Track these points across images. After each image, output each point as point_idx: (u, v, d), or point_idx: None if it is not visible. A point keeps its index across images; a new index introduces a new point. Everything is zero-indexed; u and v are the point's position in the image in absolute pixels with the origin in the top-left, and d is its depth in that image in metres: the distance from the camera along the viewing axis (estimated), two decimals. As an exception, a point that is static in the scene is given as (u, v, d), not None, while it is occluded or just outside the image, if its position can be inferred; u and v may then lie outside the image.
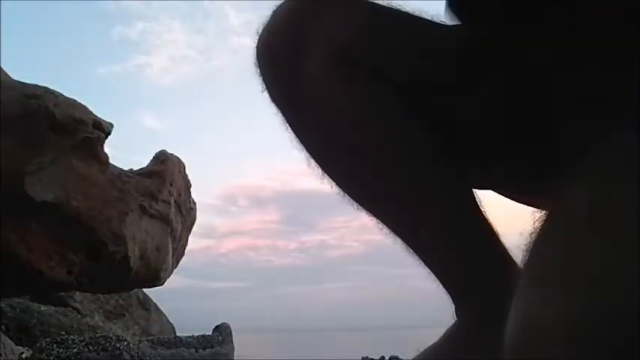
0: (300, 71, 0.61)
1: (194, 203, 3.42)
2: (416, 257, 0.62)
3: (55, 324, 3.54)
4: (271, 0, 0.64)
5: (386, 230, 0.64)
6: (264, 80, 0.64)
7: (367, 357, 3.66)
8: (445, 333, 0.63)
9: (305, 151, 0.65)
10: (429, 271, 0.62)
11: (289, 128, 0.65)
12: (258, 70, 0.64)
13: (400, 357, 3.58)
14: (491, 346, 0.49)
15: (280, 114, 0.64)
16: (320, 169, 0.64)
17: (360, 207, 0.64)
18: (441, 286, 0.62)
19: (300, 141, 0.64)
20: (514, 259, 0.60)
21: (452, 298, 0.62)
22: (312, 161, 0.64)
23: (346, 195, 0.64)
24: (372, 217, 0.64)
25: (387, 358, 3.66)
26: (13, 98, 2.32)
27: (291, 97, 0.63)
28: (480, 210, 0.61)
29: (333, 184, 0.64)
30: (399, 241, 0.63)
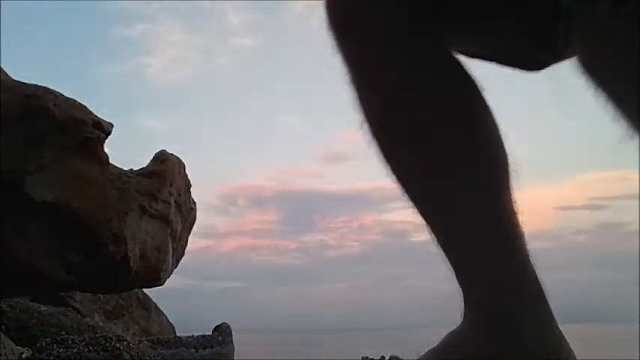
0: (371, 33, 0.61)
1: (194, 203, 3.42)
2: (443, 252, 0.61)
3: (55, 324, 3.54)
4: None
5: (422, 214, 0.62)
6: (338, 41, 0.63)
7: (367, 357, 3.67)
8: (447, 335, 0.63)
9: (361, 114, 0.64)
10: (451, 267, 0.61)
11: (353, 87, 0.64)
12: (331, 31, 0.64)
13: (400, 357, 3.59)
14: (494, 349, 0.49)
15: (348, 73, 0.64)
16: (370, 134, 0.63)
17: (402, 188, 0.63)
18: (457, 283, 0.61)
19: (360, 102, 0.64)
20: (534, 265, 0.60)
21: (464, 295, 0.61)
22: (366, 125, 0.64)
23: (388, 167, 0.63)
24: (410, 202, 0.63)
25: (387, 358, 3.68)
26: (13, 98, 2.32)
27: (361, 58, 0.63)
28: (516, 216, 0.61)
29: (380, 152, 0.64)
30: (429, 230, 0.62)
